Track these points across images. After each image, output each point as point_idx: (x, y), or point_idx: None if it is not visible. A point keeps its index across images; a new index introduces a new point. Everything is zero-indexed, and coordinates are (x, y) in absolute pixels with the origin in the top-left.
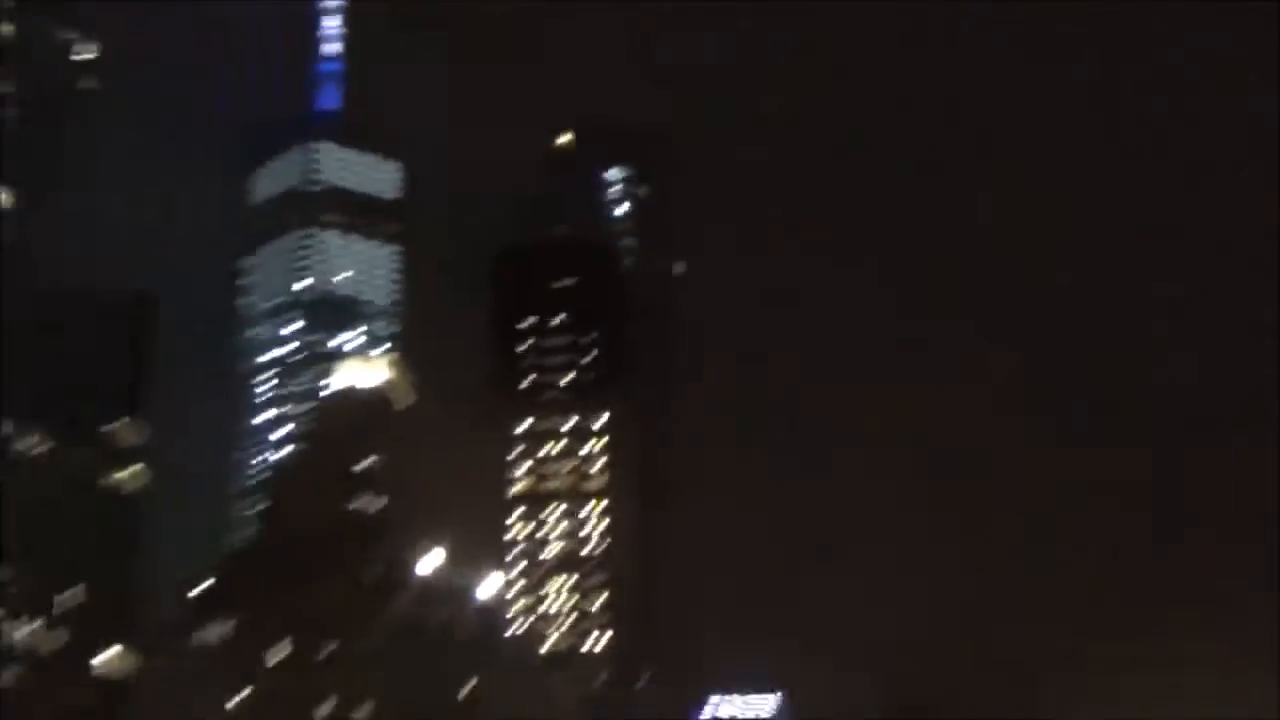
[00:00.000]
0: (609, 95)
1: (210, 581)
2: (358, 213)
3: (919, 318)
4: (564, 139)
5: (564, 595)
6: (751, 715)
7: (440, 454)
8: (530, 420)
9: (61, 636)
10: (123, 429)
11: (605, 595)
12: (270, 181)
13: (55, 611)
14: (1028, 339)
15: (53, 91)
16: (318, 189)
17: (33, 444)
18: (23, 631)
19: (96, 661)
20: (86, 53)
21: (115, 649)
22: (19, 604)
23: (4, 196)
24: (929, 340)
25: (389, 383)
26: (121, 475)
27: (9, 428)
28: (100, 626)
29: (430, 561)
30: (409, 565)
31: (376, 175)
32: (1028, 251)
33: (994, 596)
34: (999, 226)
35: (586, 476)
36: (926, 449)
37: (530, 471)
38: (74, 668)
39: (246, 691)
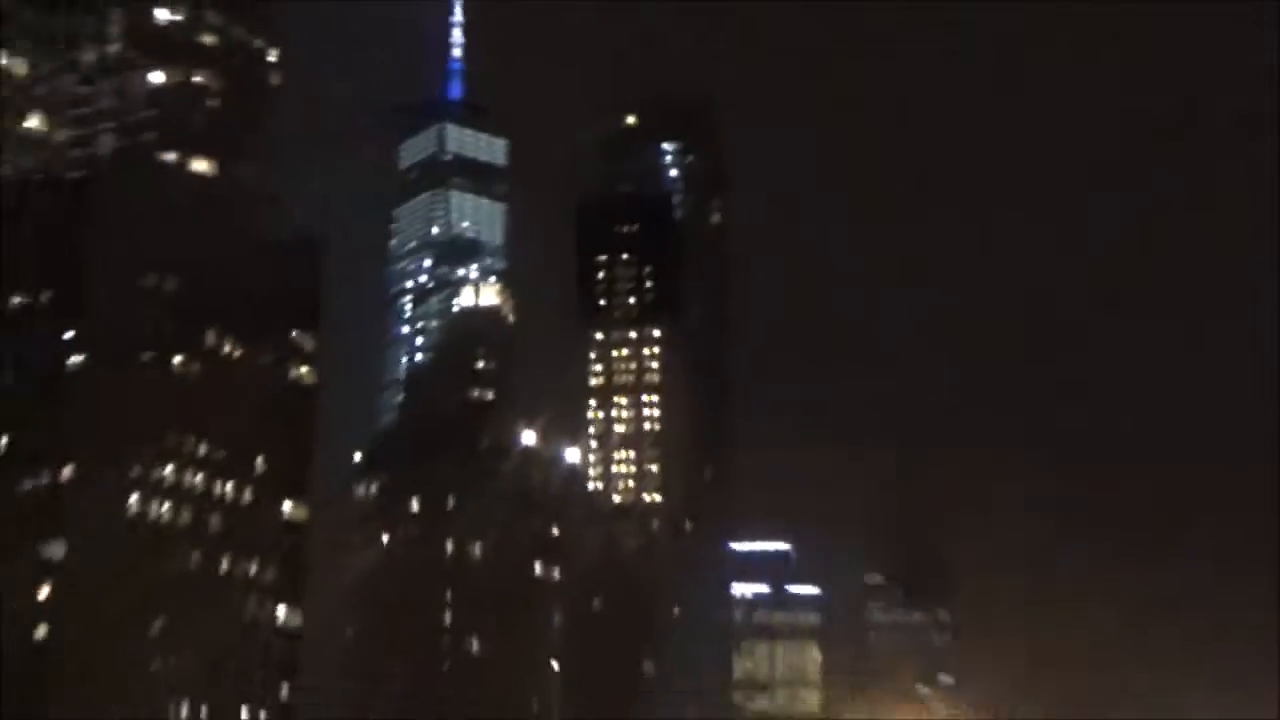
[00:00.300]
0: (670, 76)
1: (366, 451)
2: (476, 177)
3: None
4: (630, 119)
5: (628, 464)
6: (767, 550)
7: (536, 357)
8: (602, 333)
9: (252, 492)
10: (300, 337)
11: (659, 464)
12: (412, 153)
13: (251, 474)
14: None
15: (247, 88)
16: (447, 158)
17: (232, 348)
18: (223, 489)
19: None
20: (273, 55)
21: (294, 501)
22: (219, 470)
23: (210, 165)
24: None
25: (499, 304)
26: (299, 372)
27: (214, 337)
28: (284, 485)
29: (529, 437)
30: (513, 440)
31: (489, 148)
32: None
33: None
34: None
35: (645, 374)
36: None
37: (603, 371)
38: (264, 515)
39: (388, 535)
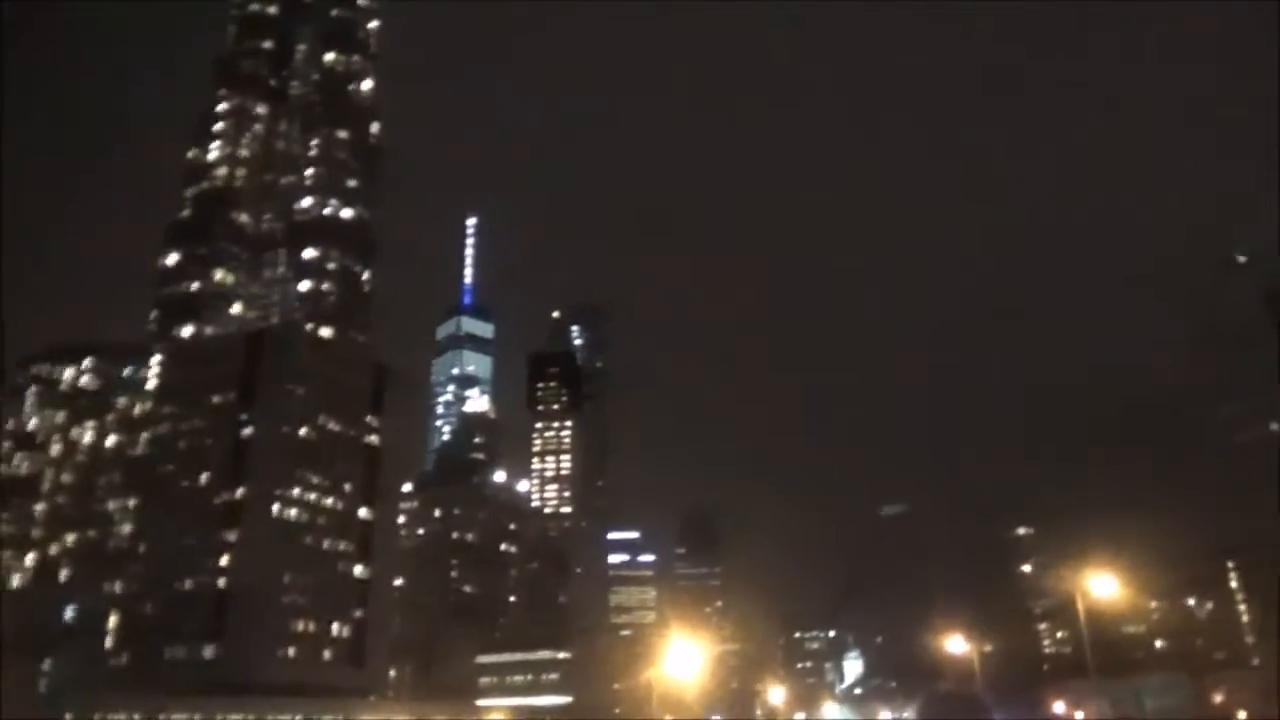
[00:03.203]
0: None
1: (413, 483)
2: (476, 344)
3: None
4: (556, 314)
5: (553, 491)
6: (625, 536)
7: (510, 439)
8: (541, 422)
9: (343, 504)
10: (372, 420)
11: (569, 491)
12: (444, 331)
13: (343, 493)
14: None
15: (351, 291)
16: (462, 334)
17: (335, 425)
18: (326, 501)
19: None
20: (366, 274)
21: (368, 508)
22: (325, 491)
23: (332, 331)
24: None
25: (487, 410)
26: (371, 438)
27: (324, 419)
28: (361, 498)
29: (500, 477)
30: (492, 478)
31: (484, 329)
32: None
33: None
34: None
35: (562, 444)
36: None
37: (540, 442)
38: (350, 515)
39: (422, 529)
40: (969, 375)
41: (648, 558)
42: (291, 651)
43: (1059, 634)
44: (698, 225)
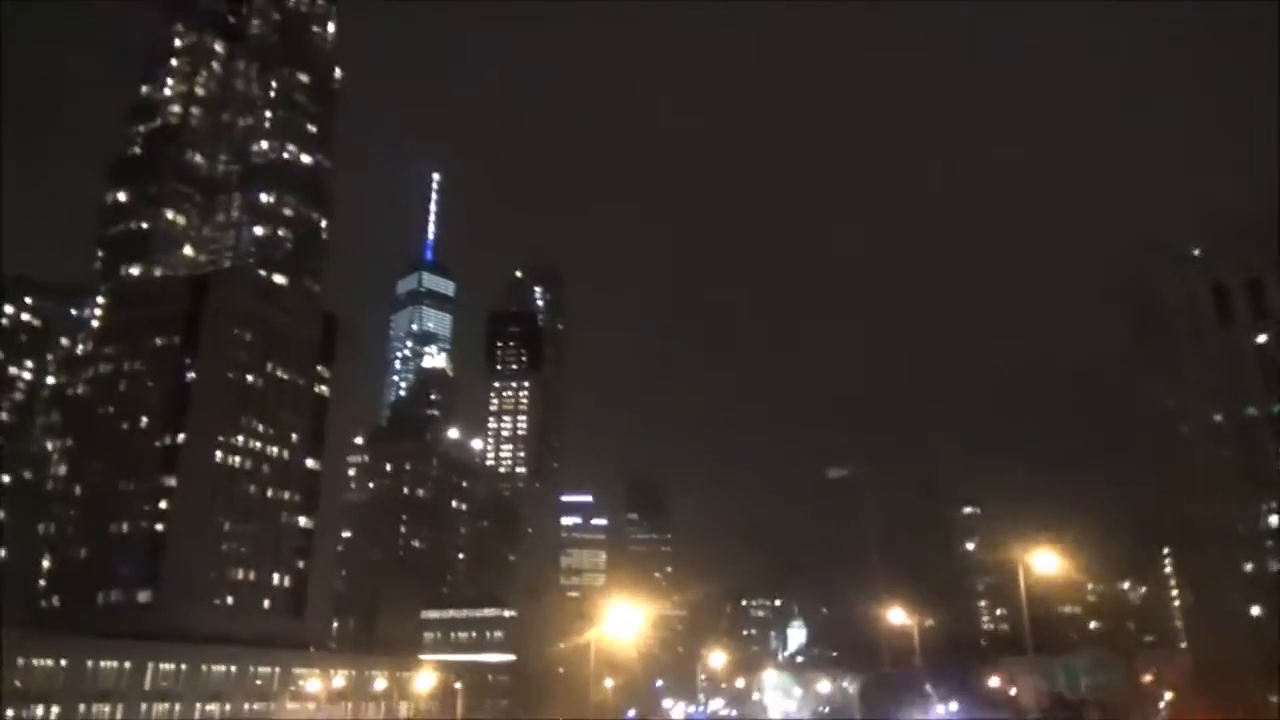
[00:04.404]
0: (539, 254)
1: (365, 437)
2: (437, 300)
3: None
4: (519, 273)
5: (508, 451)
6: (579, 499)
7: (466, 397)
8: (498, 382)
9: (289, 453)
10: (323, 370)
11: (524, 451)
12: (404, 286)
13: (290, 442)
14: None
15: (308, 239)
16: (422, 290)
17: (285, 374)
18: (271, 450)
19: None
20: (324, 222)
21: (314, 459)
22: (271, 440)
23: (285, 278)
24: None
25: (444, 366)
26: (321, 389)
27: (273, 367)
28: (309, 449)
29: (454, 434)
30: (446, 435)
31: (445, 285)
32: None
33: None
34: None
35: (519, 404)
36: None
37: (497, 402)
38: (296, 465)
39: (372, 483)
40: (923, 363)
41: (600, 521)
42: (230, 600)
43: (998, 611)
44: (671, 202)
